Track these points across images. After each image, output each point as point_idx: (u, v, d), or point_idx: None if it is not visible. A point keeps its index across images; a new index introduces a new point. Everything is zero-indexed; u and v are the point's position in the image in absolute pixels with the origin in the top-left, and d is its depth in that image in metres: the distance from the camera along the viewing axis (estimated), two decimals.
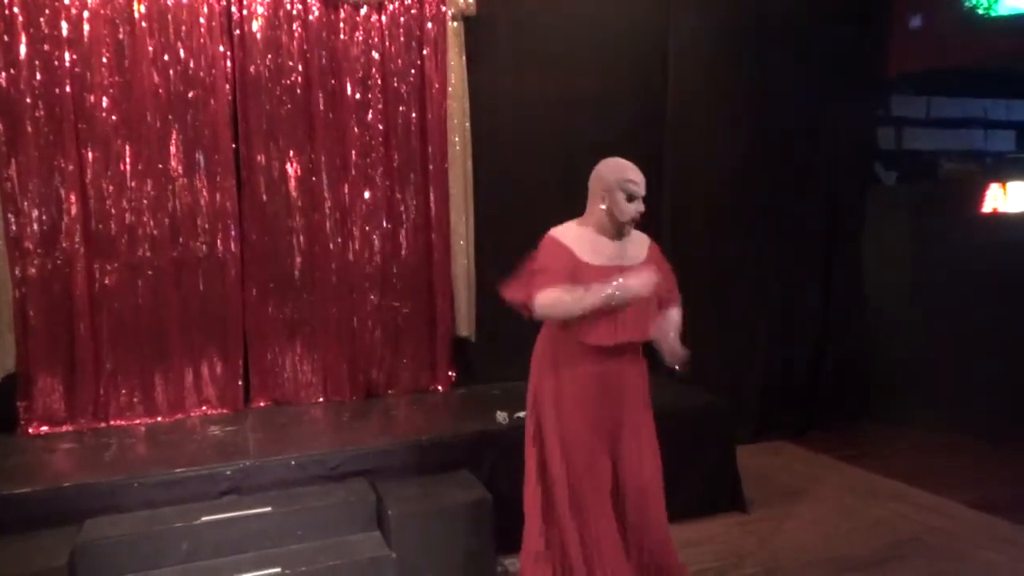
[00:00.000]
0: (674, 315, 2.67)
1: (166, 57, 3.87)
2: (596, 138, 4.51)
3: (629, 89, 4.72)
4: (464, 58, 4.31)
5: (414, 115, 4.31)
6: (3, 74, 3.60)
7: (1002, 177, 5.06)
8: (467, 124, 4.33)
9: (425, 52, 4.28)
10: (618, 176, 2.56)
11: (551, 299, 2.44)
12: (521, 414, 3.61)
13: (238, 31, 3.99)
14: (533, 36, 4.52)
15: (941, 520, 3.66)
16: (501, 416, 3.61)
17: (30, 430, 3.70)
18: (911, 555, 3.28)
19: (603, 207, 2.57)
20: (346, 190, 4.19)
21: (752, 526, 3.65)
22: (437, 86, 4.29)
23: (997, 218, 5.03)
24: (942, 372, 5.11)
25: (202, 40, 3.92)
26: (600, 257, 2.56)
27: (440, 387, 4.42)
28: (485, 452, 3.38)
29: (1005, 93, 6.10)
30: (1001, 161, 5.92)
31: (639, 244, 2.67)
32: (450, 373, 4.46)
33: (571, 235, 2.58)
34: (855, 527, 3.61)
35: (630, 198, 2.56)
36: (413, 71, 4.30)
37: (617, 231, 2.61)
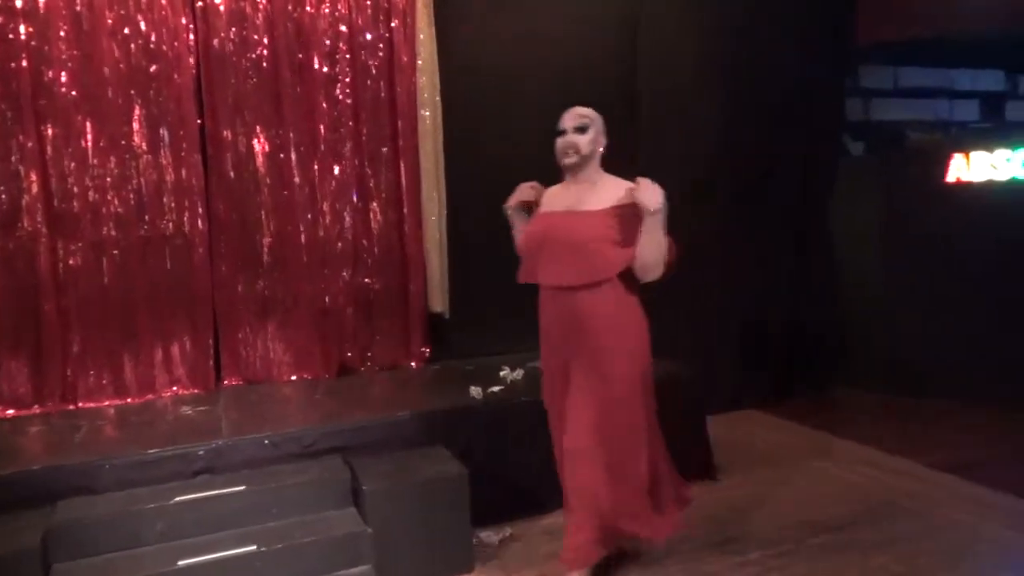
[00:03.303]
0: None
1: (126, 30, 3.77)
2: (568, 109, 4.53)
3: (601, 61, 4.69)
4: (434, 30, 4.26)
5: (383, 89, 4.25)
6: None
7: (966, 147, 5.14)
8: (437, 98, 4.29)
9: (394, 24, 4.22)
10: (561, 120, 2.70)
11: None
12: (495, 388, 3.66)
13: (201, 3, 3.90)
14: (503, 6, 4.47)
15: (912, 483, 3.75)
16: (475, 391, 3.62)
17: None
18: (882, 518, 3.36)
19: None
20: (315, 166, 4.13)
21: (724, 493, 3.72)
22: (406, 59, 4.24)
23: (961, 187, 5.12)
24: (909, 338, 5.24)
25: (164, 12, 3.82)
26: (553, 205, 2.73)
27: (414, 363, 4.42)
28: (460, 427, 3.40)
29: (970, 63, 6.17)
30: (965, 131, 6.01)
31: (608, 191, 2.65)
32: (424, 349, 4.45)
33: (550, 192, 2.81)
34: (827, 492, 3.69)
35: (559, 133, 2.67)
36: (382, 44, 4.23)
37: (573, 176, 2.71)
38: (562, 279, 2.64)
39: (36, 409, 3.70)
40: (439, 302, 4.40)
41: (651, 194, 2.52)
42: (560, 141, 2.67)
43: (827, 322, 5.43)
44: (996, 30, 5.54)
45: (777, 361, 5.29)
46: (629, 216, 2.59)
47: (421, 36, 4.23)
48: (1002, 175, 5.01)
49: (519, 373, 3.87)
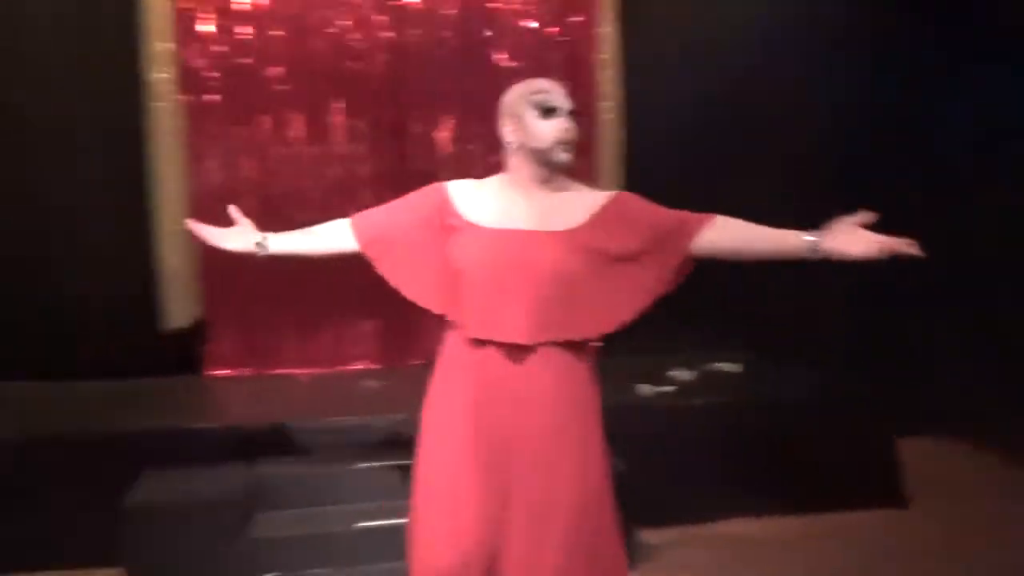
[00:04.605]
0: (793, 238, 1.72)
1: (332, 28, 4.06)
2: (763, 107, 4.32)
3: (798, 60, 4.43)
4: (619, 25, 4.23)
5: (565, 84, 4.27)
6: (191, 48, 3.91)
7: None
8: (619, 94, 4.26)
9: (578, 19, 4.24)
10: (521, 92, 1.83)
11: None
12: (665, 388, 3.60)
13: (396, 1, 4.11)
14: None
15: None
16: (644, 389, 3.58)
17: (212, 372, 4.08)
18: None
19: (510, 143, 1.83)
20: (497, 158, 4.24)
21: (909, 524, 3.43)
22: (589, 54, 4.25)
23: None
24: None
25: (364, 11, 4.08)
26: (498, 217, 1.79)
27: None
28: (625, 425, 3.36)
29: None
30: None
31: (581, 204, 1.81)
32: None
33: (466, 188, 1.88)
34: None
35: (545, 112, 1.79)
36: (566, 39, 4.27)
37: (541, 177, 1.80)
38: (537, 333, 1.71)
39: (245, 371, 4.11)
40: None
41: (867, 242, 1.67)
42: (554, 126, 1.78)
43: None
44: None
45: (979, 384, 4.75)
46: (621, 237, 1.77)
47: (605, 30, 4.22)
48: None
49: (691, 374, 3.78)
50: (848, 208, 1.71)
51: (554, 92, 1.82)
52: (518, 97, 1.82)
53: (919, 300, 4.41)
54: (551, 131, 1.78)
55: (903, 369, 4.30)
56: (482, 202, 1.83)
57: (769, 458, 3.41)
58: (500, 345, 1.72)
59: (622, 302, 1.79)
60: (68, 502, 2.93)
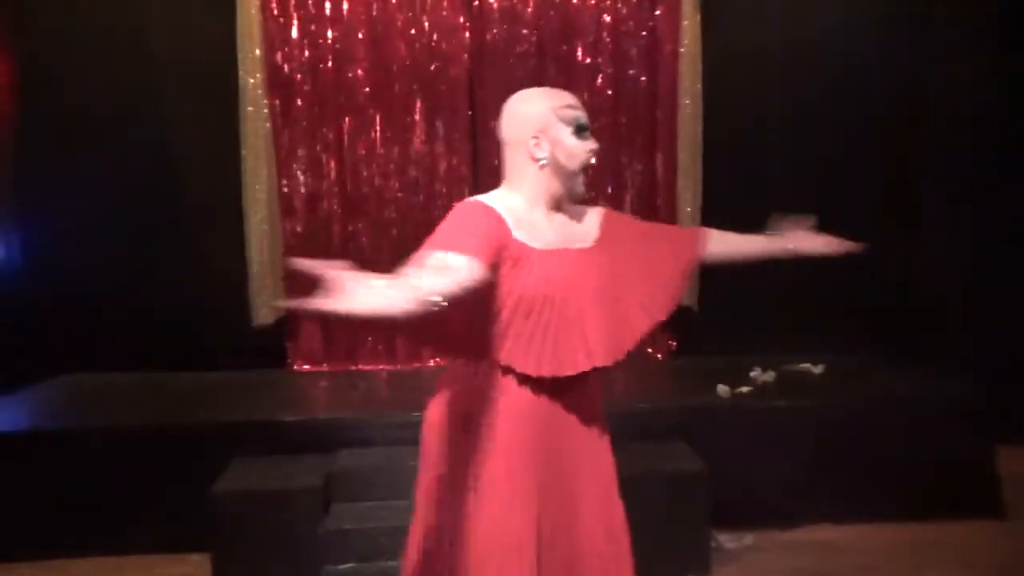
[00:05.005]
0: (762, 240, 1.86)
1: (412, 31, 4.14)
2: (838, 104, 4.17)
3: (878, 54, 4.24)
4: (699, 18, 4.14)
5: (644, 78, 4.23)
6: (279, 53, 4.06)
7: None
8: (699, 86, 4.18)
9: (658, 12, 4.18)
10: (550, 104, 1.66)
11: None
12: (744, 389, 3.50)
13: (476, 2, 4.15)
14: None
15: None
16: (723, 390, 3.50)
17: (295, 367, 4.22)
18: None
19: (541, 160, 1.65)
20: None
21: (1009, 536, 3.23)
22: (669, 47, 4.18)
23: None
24: None
25: (444, 12, 4.13)
26: (540, 239, 1.65)
27: (659, 355, 4.37)
28: (703, 425, 3.31)
29: None
30: None
31: (586, 220, 1.77)
32: (671, 341, 4.39)
33: (502, 205, 1.66)
34: None
35: (579, 130, 1.66)
36: (644, 32, 4.21)
37: (559, 198, 1.70)
38: (596, 357, 1.63)
39: (325, 366, 4.23)
40: (687, 295, 4.30)
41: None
42: (585, 144, 1.67)
43: None
44: None
45: None
46: (627, 251, 1.76)
47: (685, 23, 4.14)
48: None
49: (771, 375, 3.66)
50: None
51: (581, 108, 1.70)
52: (547, 110, 1.66)
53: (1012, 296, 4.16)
54: (586, 150, 1.68)
55: (1005, 374, 4.05)
56: (518, 221, 1.64)
57: (854, 463, 3.27)
58: (556, 379, 1.61)
59: (640, 325, 1.73)
60: (159, 489, 3.09)
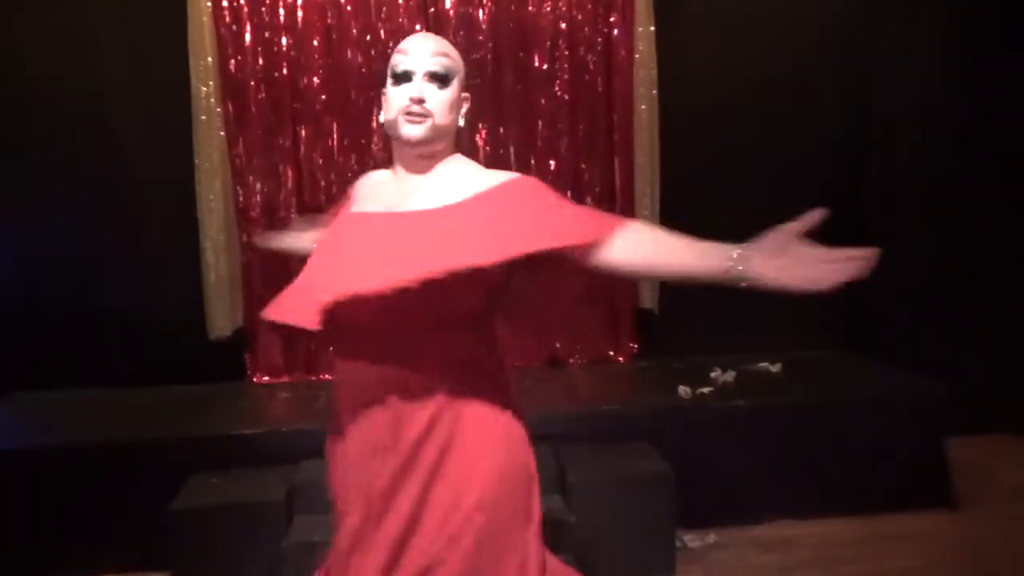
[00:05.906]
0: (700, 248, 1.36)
1: (368, 37, 4.12)
2: (792, 107, 4.27)
3: (832, 62, 4.36)
4: (653, 26, 4.20)
5: (600, 84, 4.28)
6: (232, 61, 4.01)
7: None
8: (654, 92, 4.23)
9: (613, 19, 4.23)
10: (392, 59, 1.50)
11: None
12: (705, 389, 3.56)
13: (432, 9, 4.15)
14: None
15: None
16: (684, 391, 3.55)
17: (254, 379, 4.15)
18: None
19: (382, 121, 1.57)
20: (532, 161, 4.25)
21: (962, 525, 3.33)
22: (624, 54, 4.23)
23: None
24: None
25: (400, 20, 4.12)
26: (369, 203, 1.56)
27: (621, 358, 4.41)
28: (666, 426, 3.35)
29: None
30: None
31: (461, 183, 1.51)
32: (632, 344, 4.43)
33: (373, 179, 1.67)
34: None
35: (397, 78, 1.48)
36: (600, 40, 4.26)
37: (406, 156, 1.52)
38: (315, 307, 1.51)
39: (286, 377, 4.17)
40: (648, 298, 4.35)
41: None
42: (398, 92, 1.48)
43: None
44: None
45: None
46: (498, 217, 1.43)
47: (639, 29, 4.20)
48: None
49: (731, 375, 3.73)
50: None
51: (415, 52, 1.48)
52: (389, 65, 1.51)
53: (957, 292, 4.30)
54: (395, 99, 1.47)
55: (952, 366, 4.18)
56: (371, 190, 1.61)
57: (814, 459, 3.35)
58: (347, 344, 1.67)
59: (424, 265, 1.40)
60: (116, 507, 3.01)
